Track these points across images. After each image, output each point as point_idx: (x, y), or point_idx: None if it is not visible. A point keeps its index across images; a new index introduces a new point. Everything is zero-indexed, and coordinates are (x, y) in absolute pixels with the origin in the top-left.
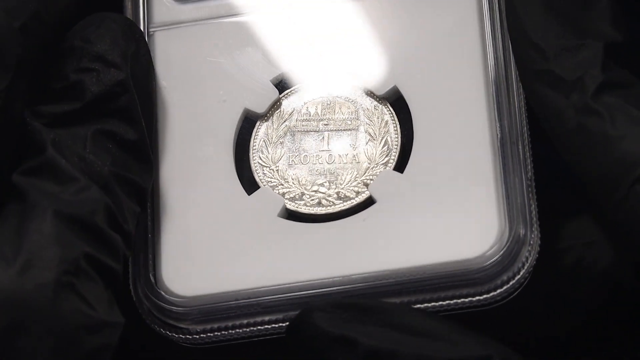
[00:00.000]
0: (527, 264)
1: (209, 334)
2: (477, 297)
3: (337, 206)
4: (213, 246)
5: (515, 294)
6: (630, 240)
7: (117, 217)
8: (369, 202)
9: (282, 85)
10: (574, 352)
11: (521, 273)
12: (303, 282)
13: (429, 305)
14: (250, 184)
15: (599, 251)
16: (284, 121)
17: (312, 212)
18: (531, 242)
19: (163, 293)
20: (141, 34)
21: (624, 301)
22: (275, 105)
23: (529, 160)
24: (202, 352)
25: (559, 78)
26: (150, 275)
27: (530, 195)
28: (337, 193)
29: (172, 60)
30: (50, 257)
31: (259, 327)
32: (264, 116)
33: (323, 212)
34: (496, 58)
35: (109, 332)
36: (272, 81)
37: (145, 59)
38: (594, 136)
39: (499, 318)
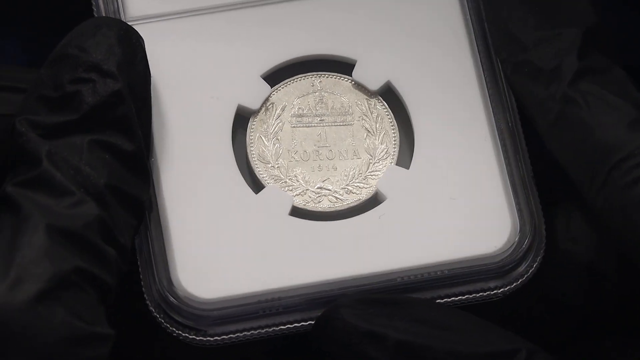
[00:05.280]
0: (540, 255)
1: (230, 336)
2: (495, 291)
3: (345, 203)
4: (226, 248)
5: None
6: (610, 229)
7: (112, 231)
8: (377, 198)
9: (273, 79)
10: (564, 349)
11: (534, 265)
12: (323, 281)
13: (449, 300)
14: (255, 183)
15: (583, 246)
16: (278, 117)
17: (320, 209)
18: (540, 233)
19: (182, 297)
20: (138, 39)
21: (609, 294)
22: (268, 100)
23: (526, 150)
24: (221, 351)
25: (538, 68)
26: (165, 280)
27: (534, 186)
28: (344, 189)
29: (156, 57)
30: (40, 272)
31: (280, 327)
32: (257, 112)
33: (332, 209)
34: (486, 49)
35: (99, 344)
36: (262, 76)
37: (142, 66)
38: (573, 125)
39: (491, 319)
